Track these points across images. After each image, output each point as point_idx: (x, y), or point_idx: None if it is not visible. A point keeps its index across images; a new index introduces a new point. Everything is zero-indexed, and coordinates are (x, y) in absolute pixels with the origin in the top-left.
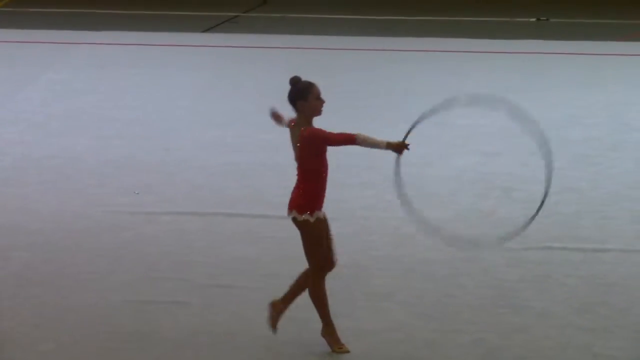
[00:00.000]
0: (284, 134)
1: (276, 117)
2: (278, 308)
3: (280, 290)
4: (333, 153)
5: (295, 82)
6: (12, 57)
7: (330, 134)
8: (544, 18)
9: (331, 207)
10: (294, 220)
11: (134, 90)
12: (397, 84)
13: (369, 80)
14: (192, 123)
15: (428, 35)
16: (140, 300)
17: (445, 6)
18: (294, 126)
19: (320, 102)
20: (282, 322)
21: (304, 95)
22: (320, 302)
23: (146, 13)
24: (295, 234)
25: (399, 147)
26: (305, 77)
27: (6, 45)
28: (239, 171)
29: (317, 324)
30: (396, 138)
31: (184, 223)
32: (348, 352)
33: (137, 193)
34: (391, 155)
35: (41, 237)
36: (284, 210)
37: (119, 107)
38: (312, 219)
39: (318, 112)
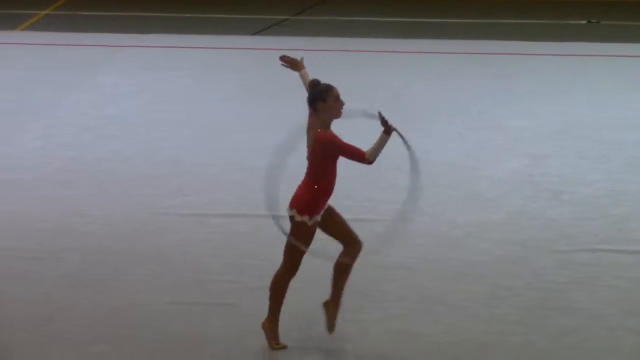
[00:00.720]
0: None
1: (287, 60)
2: (331, 308)
3: (329, 292)
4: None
5: (314, 84)
6: (62, 60)
7: (343, 143)
8: (595, 20)
9: (382, 209)
10: (291, 218)
11: (182, 93)
12: (447, 84)
13: (419, 82)
14: (240, 125)
15: (475, 37)
16: (189, 302)
17: (493, 8)
18: (311, 127)
19: (339, 103)
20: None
21: (323, 97)
22: (278, 295)
23: (195, 16)
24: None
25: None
26: (346, 79)
27: (56, 48)
28: (287, 173)
29: (377, 325)
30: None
31: (233, 225)
32: (285, 347)
33: (186, 195)
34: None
35: (92, 239)
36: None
37: (167, 109)
38: (309, 222)
39: (337, 113)
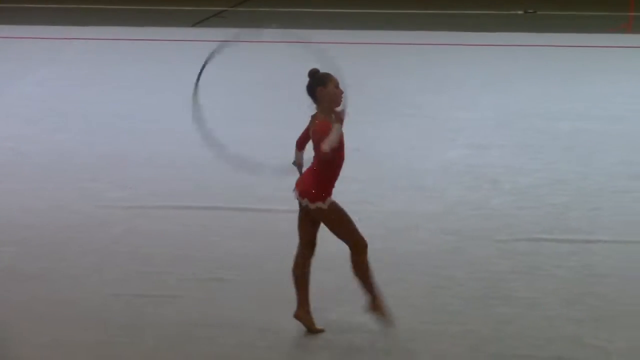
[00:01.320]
0: (271, 129)
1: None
2: (373, 306)
3: (272, 283)
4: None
5: (314, 72)
6: (4, 52)
7: (325, 140)
8: (532, 10)
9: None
10: (306, 207)
11: (124, 85)
12: (385, 77)
13: (357, 74)
14: (182, 117)
15: (414, 28)
16: (132, 294)
17: (430, 0)
18: (313, 116)
19: (339, 91)
20: (276, 313)
21: (323, 82)
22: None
23: (135, 8)
24: (284, 227)
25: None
26: (285, 70)
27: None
28: (229, 166)
29: (314, 316)
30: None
31: (177, 217)
32: (323, 330)
33: (130, 187)
34: (379, 146)
35: (33, 232)
36: (275, 204)
37: (109, 101)
38: (325, 206)
39: (338, 100)
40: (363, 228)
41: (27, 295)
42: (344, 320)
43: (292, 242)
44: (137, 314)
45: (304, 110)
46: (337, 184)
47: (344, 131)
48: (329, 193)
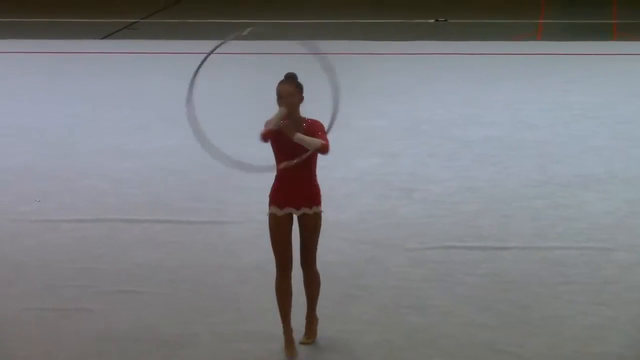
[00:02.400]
0: (184, 140)
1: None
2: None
3: (183, 294)
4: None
5: (295, 76)
6: None
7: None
8: (442, 19)
9: (232, 211)
10: (313, 214)
11: (31, 97)
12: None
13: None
14: (92, 130)
15: (326, 37)
16: (42, 308)
17: (340, 8)
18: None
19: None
20: (184, 327)
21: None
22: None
23: (42, 20)
24: (196, 238)
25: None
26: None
27: None
28: (140, 177)
29: (230, 326)
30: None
31: (86, 230)
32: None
33: (38, 201)
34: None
35: None
36: (185, 215)
37: (16, 115)
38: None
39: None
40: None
41: None
42: (260, 331)
43: (206, 253)
44: (48, 328)
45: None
46: (249, 194)
47: None
48: None
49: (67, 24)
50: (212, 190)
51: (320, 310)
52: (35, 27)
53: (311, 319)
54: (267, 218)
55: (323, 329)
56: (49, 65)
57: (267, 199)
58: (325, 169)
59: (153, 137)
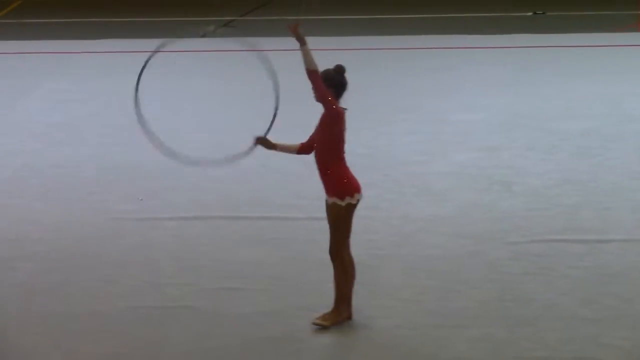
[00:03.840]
0: (282, 136)
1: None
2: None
3: (286, 291)
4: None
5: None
6: (10, 68)
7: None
8: (540, 12)
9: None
10: (331, 204)
11: (131, 97)
12: (394, 81)
13: (366, 79)
14: (194, 128)
15: (422, 32)
16: (147, 306)
17: (439, 3)
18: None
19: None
20: (287, 324)
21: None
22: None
23: (143, 20)
24: (298, 234)
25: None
26: (296, 77)
27: (5, 56)
28: (241, 175)
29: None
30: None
31: (189, 228)
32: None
33: (141, 199)
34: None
35: (46, 247)
36: (286, 212)
37: (119, 114)
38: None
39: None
40: (376, 234)
41: (42, 309)
42: (364, 324)
43: (308, 249)
44: (153, 326)
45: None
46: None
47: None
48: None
49: (168, 22)
50: (312, 187)
51: (420, 304)
52: (136, 26)
53: (334, 306)
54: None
55: (424, 323)
56: (151, 64)
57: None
58: (424, 164)
59: (253, 135)
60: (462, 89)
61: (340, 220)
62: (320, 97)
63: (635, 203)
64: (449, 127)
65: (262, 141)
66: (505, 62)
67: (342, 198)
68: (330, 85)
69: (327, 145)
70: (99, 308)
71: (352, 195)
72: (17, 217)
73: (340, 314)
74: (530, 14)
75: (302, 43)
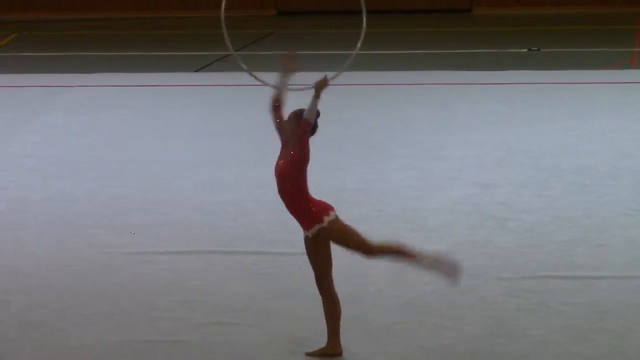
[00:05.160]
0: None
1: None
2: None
3: (278, 325)
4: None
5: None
6: (5, 101)
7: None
8: (535, 48)
9: None
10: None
11: (127, 131)
12: (389, 116)
13: (360, 114)
14: (185, 163)
15: (417, 68)
16: (138, 340)
17: (434, 39)
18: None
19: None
20: (280, 358)
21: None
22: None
23: (137, 54)
24: (290, 269)
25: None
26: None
27: None
28: (233, 209)
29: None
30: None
31: (181, 262)
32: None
33: (133, 233)
34: (383, 187)
35: (39, 280)
36: (277, 246)
37: (112, 148)
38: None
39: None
40: (370, 269)
41: (35, 342)
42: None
43: (301, 284)
44: None
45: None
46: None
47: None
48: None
49: (160, 57)
50: None
51: (416, 341)
52: (129, 60)
53: (328, 339)
54: None
55: (418, 359)
56: (144, 99)
57: None
58: (419, 200)
59: (247, 169)
60: (457, 124)
61: (323, 249)
62: (299, 138)
63: (629, 240)
64: (443, 163)
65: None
66: (500, 99)
67: (321, 221)
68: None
69: (293, 181)
70: (91, 342)
71: (328, 214)
72: (10, 250)
73: (334, 348)
74: (525, 50)
75: (317, 96)
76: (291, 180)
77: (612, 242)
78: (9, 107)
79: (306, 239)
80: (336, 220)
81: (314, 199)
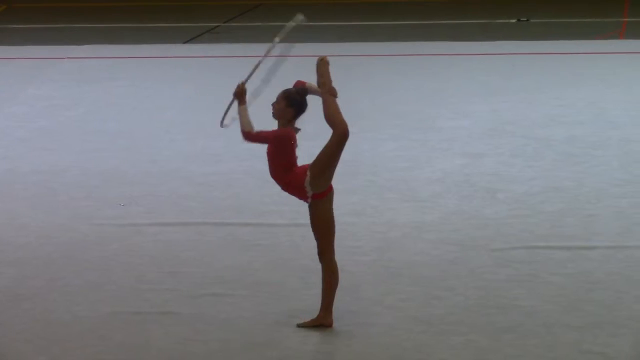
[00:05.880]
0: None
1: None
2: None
3: (270, 297)
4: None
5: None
6: None
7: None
8: (524, 19)
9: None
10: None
11: (116, 103)
12: (379, 87)
13: (351, 85)
14: (175, 134)
15: (407, 39)
16: (130, 312)
17: (424, 10)
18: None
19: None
20: (271, 330)
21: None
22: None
23: (126, 26)
24: (281, 241)
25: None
26: (281, 84)
27: None
28: (223, 180)
29: (313, 329)
30: (383, 144)
31: (171, 234)
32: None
33: (123, 205)
34: (374, 158)
35: (28, 252)
36: (268, 218)
37: (102, 120)
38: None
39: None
40: (360, 240)
41: (25, 315)
42: (347, 332)
43: (291, 255)
44: (136, 331)
45: None
46: (334, 195)
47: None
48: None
49: (148, 29)
50: None
51: (403, 311)
52: (118, 32)
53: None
54: (344, 222)
55: (408, 329)
56: (134, 70)
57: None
58: (409, 170)
59: (237, 140)
60: (447, 95)
61: (322, 213)
62: (265, 140)
63: (619, 210)
64: (434, 134)
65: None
66: (490, 69)
67: (304, 176)
68: (289, 105)
69: (279, 164)
70: (82, 313)
71: (305, 169)
72: (0, 222)
73: (325, 318)
74: (514, 20)
75: (242, 103)
76: (273, 159)
77: (602, 213)
78: None
79: (309, 208)
80: (310, 164)
81: (298, 168)
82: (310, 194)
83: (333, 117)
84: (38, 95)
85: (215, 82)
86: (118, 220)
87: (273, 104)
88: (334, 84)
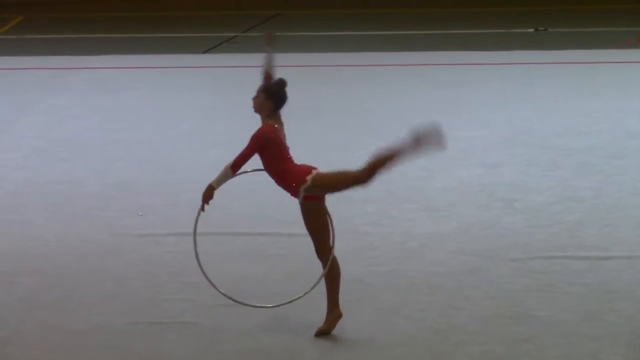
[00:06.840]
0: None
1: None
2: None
3: (287, 307)
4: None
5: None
6: (12, 84)
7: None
8: (542, 28)
9: (335, 223)
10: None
11: (134, 113)
12: (396, 98)
13: (369, 94)
14: (193, 144)
15: (424, 49)
16: (147, 322)
17: (441, 19)
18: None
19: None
20: (288, 340)
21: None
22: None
23: (145, 36)
24: (299, 251)
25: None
26: (299, 92)
27: (6, 72)
28: (241, 190)
29: (332, 338)
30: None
31: (189, 244)
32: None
33: (141, 215)
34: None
35: (46, 262)
36: (287, 227)
37: (119, 130)
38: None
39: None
40: (378, 249)
41: (43, 324)
42: (365, 342)
43: (309, 266)
44: (154, 341)
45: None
46: (351, 206)
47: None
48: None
49: (166, 39)
50: None
51: (421, 321)
52: (139, 42)
53: (328, 309)
54: (362, 232)
55: (425, 339)
56: (152, 80)
57: (352, 213)
58: (426, 180)
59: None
60: (464, 105)
61: (315, 214)
62: (249, 152)
63: (638, 219)
64: (451, 143)
65: None
66: (507, 79)
67: (304, 181)
68: (268, 97)
69: (270, 164)
70: (99, 323)
71: (310, 173)
72: (18, 232)
73: (336, 314)
74: (532, 30)
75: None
76: (267, 159)
77: (621, 222)
78: (16, 90)
79: (300, 207)
80: (317, 174)
81: (296, 165)
82: (302, 195)
83: (375, 167)
84: (56, 105)
85: (233, 91)
86: (136, 230)
87: (253, 98)
88: (349, 92)
